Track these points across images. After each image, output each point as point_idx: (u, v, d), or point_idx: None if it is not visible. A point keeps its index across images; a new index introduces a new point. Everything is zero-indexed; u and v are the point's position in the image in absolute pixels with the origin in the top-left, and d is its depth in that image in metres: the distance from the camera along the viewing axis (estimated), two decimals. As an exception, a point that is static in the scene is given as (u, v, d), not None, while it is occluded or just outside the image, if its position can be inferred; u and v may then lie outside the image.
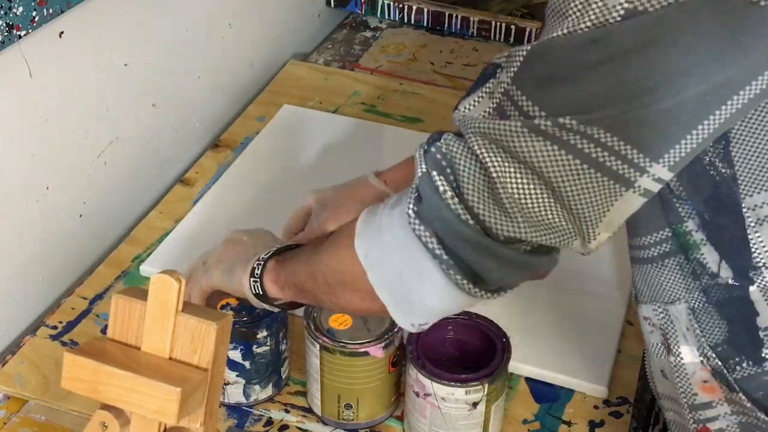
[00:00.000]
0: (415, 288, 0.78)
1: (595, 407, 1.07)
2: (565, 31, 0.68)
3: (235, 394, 1.05)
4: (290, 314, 1.06)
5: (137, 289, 0.79)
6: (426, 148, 0.76)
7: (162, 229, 1.30)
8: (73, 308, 1.18)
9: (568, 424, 1.05)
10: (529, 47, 0.70)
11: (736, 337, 0.80)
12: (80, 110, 1.21)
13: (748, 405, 0.81)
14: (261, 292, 0.92)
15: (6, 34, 1.02)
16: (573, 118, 0.68)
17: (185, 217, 1.31)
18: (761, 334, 0.79)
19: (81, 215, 1.26)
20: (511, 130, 0.70)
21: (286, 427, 1.05)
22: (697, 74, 0.67)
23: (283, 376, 1.08)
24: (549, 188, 0.71)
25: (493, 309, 1.06)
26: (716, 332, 0.81)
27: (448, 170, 0.73)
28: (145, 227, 1.31)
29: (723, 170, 0.75)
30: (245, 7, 1.56)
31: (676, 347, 0.83)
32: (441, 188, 0.73)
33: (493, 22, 1.77)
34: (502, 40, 1.77)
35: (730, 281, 0.78)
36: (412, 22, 1.81)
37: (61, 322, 1.16)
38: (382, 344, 0.99)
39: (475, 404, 0.96)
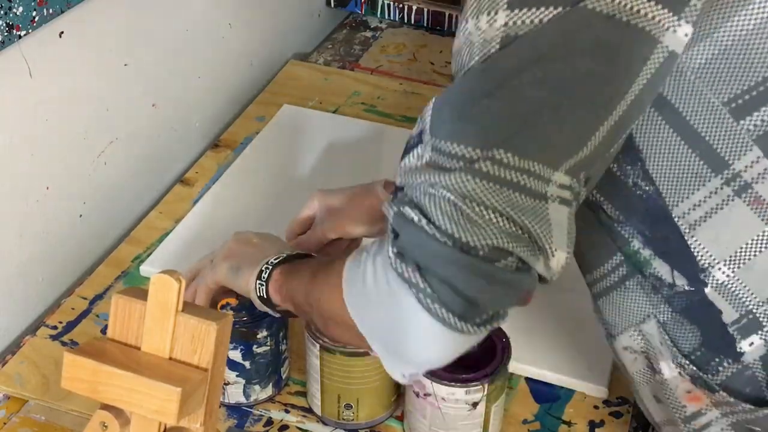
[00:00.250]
0: (403, 336, 0.77)
1: (595, 407, 1.07)
2: (461, 74, 0.74)
3: (235, 394, 1.05)
4: (290, 314, 1.07)
5: (137, 289, 0.79)
6: (392, 198, 0.77)
7: (162, 229, 1.30)
8: (73, 308, 1.18)
9: (568, 424, 1.05)
10: (434, 99, 0.76)
11: (709, 339, 0.83)
12: (80, 110, 1.21)
13: (732, 400, 0.83)
14: (265, 296, 0.93)
15: (6, 34, 1.02)
16: (495, 150, 0.71)
17: (185, 217, 1.31)
18: (730, 330, 0.81)
19: (81, 215, 1.26)
20: (455, 180, 0.71)
21: (286, 427, 1.05)
22: (580, 87, 0.71)
23: (283, 376, 1.08)
24: (501, 214, 0.71)
25: (493, 309, 1.06)
26: (691, 338, 0.84)
27: (417, 210, 0.73)
28: (145, 227, 1.31)
29: (647, 188, 0.80)
30: (245, 7, 1.56)
31: (657, 365, 0.86)
32: (415, 218, 0.73)
33: (493, 22, 1.77)
34: (502, 40, 1.77)
35: (687, 287, 0.82)
36: (412, 22, 1.81)
37: (61, 322, 1.16)
38: (382, 344, 0.99)
39: (475, 404, 0.96)
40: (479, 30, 0.73)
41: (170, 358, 0.76)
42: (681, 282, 0.82)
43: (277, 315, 0.96)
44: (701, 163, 0.77)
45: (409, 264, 0.73)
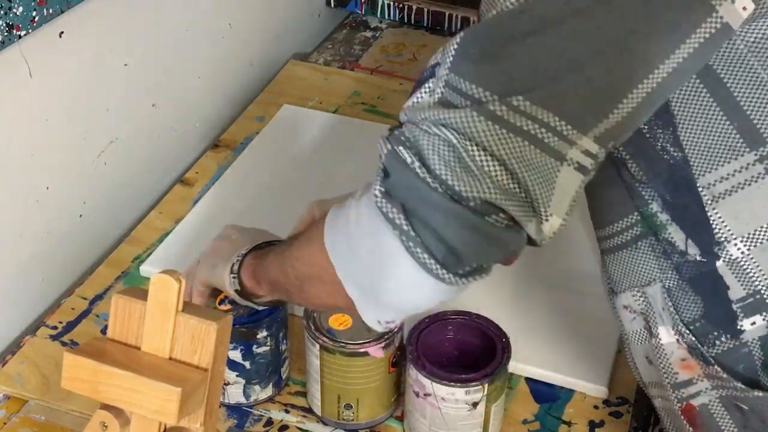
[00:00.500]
0: (382, 278, 0.76)
1: (595, 407, 1.07)
2: (494, 12, 0.71)
3: (235, 394, 1.05)
4: (290, 314, 1.06)
5: (137, 289, 0.79)
6: (388, 133, 0.76)
7: (162, 229, 1.30)
8: (73, 308, 1.18)
9: (568, 424, 1.05)
10: (462, 34, 0.72)
11: (711, 312, 0.82)
12: (80, 110, 1.21)
13: (725, 376, 0.83)
14: (240, 288, 0.92)
15: (6, 34, 1.02)
16: (514, 96, 0.69)
17: (185, 217, 1.31)
18: (734, 306, 0.81)
19: (81, 215, 1.26)
20: (463, 118, 0.70)
21: (286, 427, 1.05)
22: (619, 45, 0.69)
23: (283, 376, 1.08)
24: (502, 165, 0.70)
25: (493, 309, 1.06)
26: (693, 308, 0.83)
27: (413, 150, 0.72)
28: (145, 227, 1.31)
29: (675, 153, 0.78)
30: (245, 7, 1.56)
31: (655, 329, 0.85)
32: (408, 159, 0.71)
33: (493, 22, 1.77)
34: (502, 40, 1.77)
35: (698, 258, 0.81)
36: (412, 22, 1.81)
37: (61, 323, 1.16)
38: (382, 344, 0.99)
39: (475, 404, 0.96)
40: None
41: (170, 358, 0.76)
42: (693, 251, 0.81)
43: (261, 308, 0.96)
44: (737, 136, 0.76)
45: (395, 204, 0.72)
